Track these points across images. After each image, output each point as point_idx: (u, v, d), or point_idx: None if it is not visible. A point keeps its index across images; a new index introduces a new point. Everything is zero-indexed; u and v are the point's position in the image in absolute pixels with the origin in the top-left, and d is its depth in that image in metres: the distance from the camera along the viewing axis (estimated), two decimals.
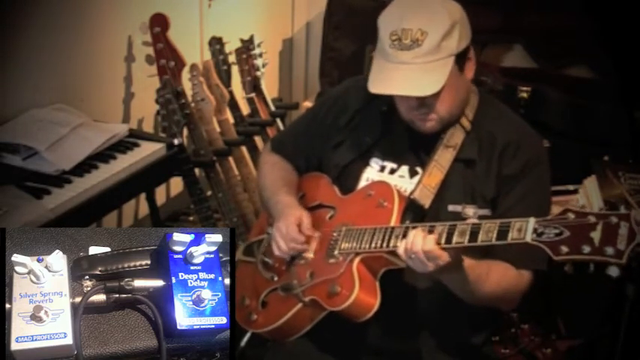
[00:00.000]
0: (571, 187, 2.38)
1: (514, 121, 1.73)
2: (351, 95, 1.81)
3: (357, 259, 1.60)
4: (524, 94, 2.93)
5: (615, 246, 1.24)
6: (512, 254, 1.58)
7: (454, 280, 1.53)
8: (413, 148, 1.72)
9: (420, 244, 1.44)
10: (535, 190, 1.64)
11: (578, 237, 1.27)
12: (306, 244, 1.70)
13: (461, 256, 1.47)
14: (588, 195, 2.25)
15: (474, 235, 1.41)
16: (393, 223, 1.59)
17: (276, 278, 1.77)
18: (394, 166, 1.74)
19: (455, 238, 1.42)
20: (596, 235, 1.26)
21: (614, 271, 1.24)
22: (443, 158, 1.65)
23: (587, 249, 1.26)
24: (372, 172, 1.75)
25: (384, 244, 1.54)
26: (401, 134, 1.72)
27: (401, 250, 1.48)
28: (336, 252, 1.64)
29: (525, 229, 1.34)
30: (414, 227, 1.49)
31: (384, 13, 1.62)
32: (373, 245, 1.56)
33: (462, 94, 1.65)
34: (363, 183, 1.75)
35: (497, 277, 1.57)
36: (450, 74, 1.55)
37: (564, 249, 1.28)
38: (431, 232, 1.46)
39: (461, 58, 1.59)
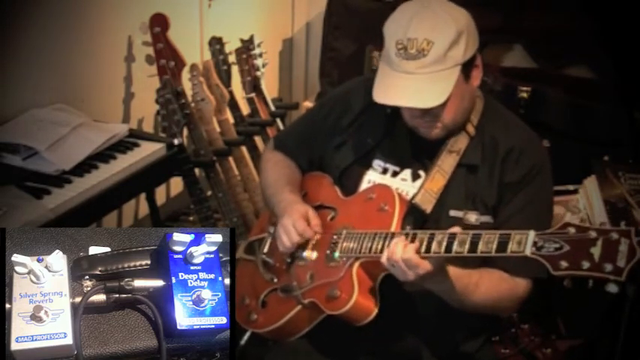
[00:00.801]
0: (571, 187, 2.38)
1: (518, 127, 1.72)
2: (355, 96, 1.80)
3: (356, 264, 1.59)
4: (524, 94, 2.92)
5: (615, 263, 1.22)
6: (511, 262, 1.58)
7: (439, 289, 1.53)
8: (416, 152, 1.71)
9: (399, 252, 1.44)
10: (537, 199, 1.64)
11: (578, 252, 1.26)
12: (310, 241, 1.69)
13: (444, 265, 1.47)
14: (588, 195, 2.25)
15: (473, 245, 1.39)
16: (393, 228, 1.58)
17: (275, 280, 1.76)
18: (397, 169, 1.73)
19: (455, 248, 1.41)
20: (596, 251, 1.25)
21: (612, 288, 1.23)
22: (446, 163, 1.65)
23: (586, 265, 1.25)
24: (374, 175, 1.74)
25: (384, 250, 1.53)
26: (404, 137, 1.72)
27: (383, 259, 1.48)
28: (336, 255, 1.63)
29: (525, 243, 1.33)
30: (414, 234, 1.48)
31: (390, 19, 1.61)
32: (373, 250, 1.55)
33: (468, 101, 1.64)
34: (364, 185, 1.74)
35: (487, 288, 1.57)
36: (456, 83, 1.54)
37: (564, 264, 1.27)
38: (430, 240, 1.45)
39: (467, 66, 1.58)
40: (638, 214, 2.03)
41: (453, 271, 1.50)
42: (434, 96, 1.53)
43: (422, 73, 1.53)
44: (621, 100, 2.86)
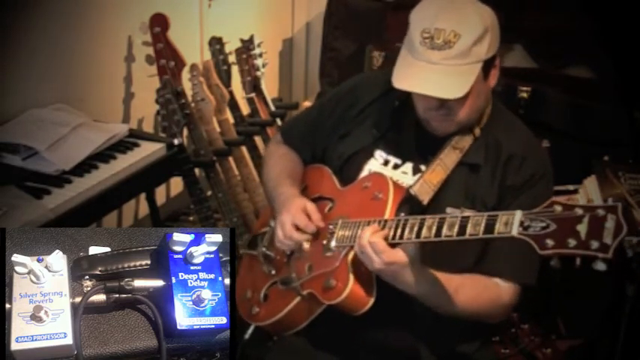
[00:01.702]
0: (571, 187, 2.37)
1: (522, 133, 1.72)
2: (364, 89, 1.81)
3: (351, 253, 1.59)
4: (524, 94, 2.92)
5: (601, 240, 1.20)
6: (501, 265, 1.58)
7: (415, 291, 1.52)
8: (420, 147, 1.72)
9: (366, 237, 1.46)
10: (537, 204, 1.63)
11: (565, 230, 1.24)
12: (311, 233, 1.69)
13: (415, 259, 1.46)
14: (588, 195, 2.25)
15: (462, 228, 1.39)
16: (387, 216, 1.58)
17: (274, 272, 1.77)
18: (398, 161, 1.73)
19: (444, 231, 1.41)
20: (582, 228, 1.22)
21: (600, 266, 1.20)
22: (448, 158, 1.65)
23: (572, 243, 1.22)
24: (375, 165, 1.75)
25: None
26: (409, 131, 1.72)
27: (355, 246, 1.49)
28: (332, 245, 1.63)
29: (512, 223, 1.31)
30: (406, 220, 1.48)
31: (417, 9, 1.60)
32: None
33: (483, 100, 1.64)
34: (364, 174, 1.74)
35: (470, 295, 1.56)
36: (475, 80, 1.54)
37: (550, 242, 1.25)
38: (421, 225, 1.44)
39: (487, 65, 1.58)
40: (638, 214, 2.04)
41: (430, 273, 1.50)
42: (455, 88, 1.53)
43: (445, 64, 1.52)
44: (621, 100, 2.86)
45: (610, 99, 2.90)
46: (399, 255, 1.44)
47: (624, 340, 2.05)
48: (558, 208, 1.27)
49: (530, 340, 2.55)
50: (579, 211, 1.24)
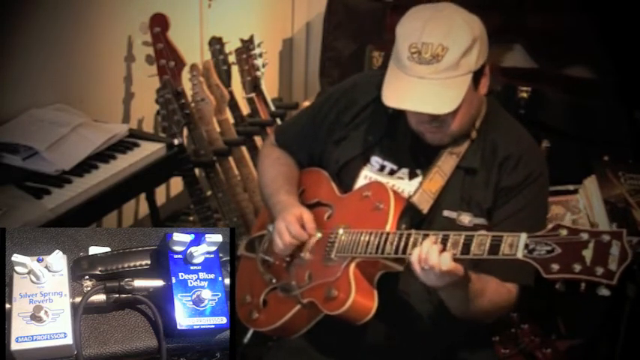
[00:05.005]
0: (571, 187, 2.38)
1: (519, 133, 1.72)
2: (359, 92, 1.79)
3: (353, 263, 1.59)
4: (524, 94, 2.93)
5: (606, 266, 1.21)
6: (501, 267, 1.57)
7: (455, 295, 1.52)
8: (415, 152, 1.71)
9: (435, 259, 1.40)
10: (531, 205, 1.63)
11: (570, 255, 1.25)
12: (307, 242, 1.69)
13: (468, 271, 1.46)
14: (588, 195, 2.26)
15: (466, 247, 1.39)
16: (388, 227, 1.57)
17: (274, 280, 1.76)
18: (394, 167, 1.73)
19: (447, 249, 1.41)
20: (587, 254, 1.24)
21: (604, 292, 1.22)
22: (446, 164, 1.64)
23: (577, 268, 1.24)
24: (371, 171, 1.74)
25: (379, 251, 1.53)
26: (405, 136, 1.71)
27: (414, 259, 1.44)
28: (332, 255, 1.63)
29: (517, 245, 1.32)
30: (408, 235, 1.48)
31: (403, 22, 1.59)
32: (368, 251, 1.55)
33: (475, 109, 1.64)
34: (361, 180, 1.74)
35: (491, 293, 1.56)
36: (466, 91, 1.53)
37: (555, 267, 1.26)
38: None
39: (477, 75, 1.57)
40: (638, 214, 2.04)
41: (469, 277, 1.49)
42: (446, 102, 1.52)
43: (435, 78, 1.51)
44: (621, 100, 2.86)
45: (610, 99, 2.90)
46: (460, 270, 1.42)
47: (624, 340, 2.05)
48: (563, 232, 1.28)
49: (530, 340, 2.55)
50: (585, 236, 1.25)
